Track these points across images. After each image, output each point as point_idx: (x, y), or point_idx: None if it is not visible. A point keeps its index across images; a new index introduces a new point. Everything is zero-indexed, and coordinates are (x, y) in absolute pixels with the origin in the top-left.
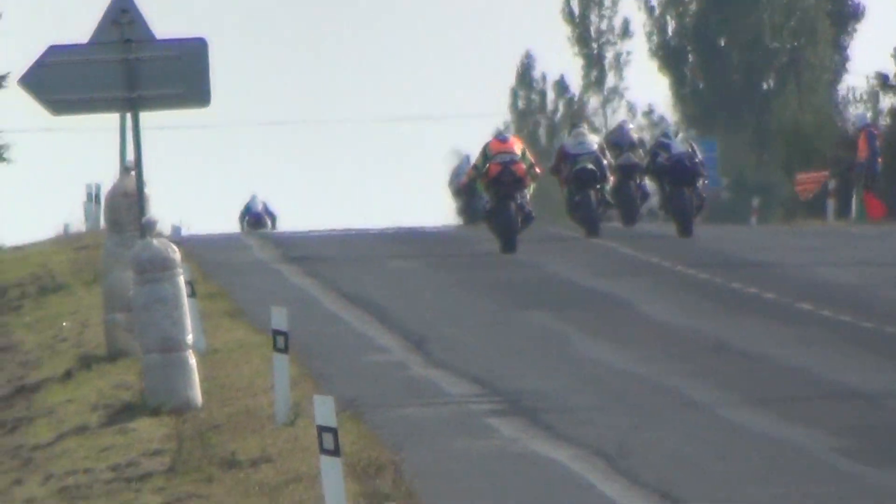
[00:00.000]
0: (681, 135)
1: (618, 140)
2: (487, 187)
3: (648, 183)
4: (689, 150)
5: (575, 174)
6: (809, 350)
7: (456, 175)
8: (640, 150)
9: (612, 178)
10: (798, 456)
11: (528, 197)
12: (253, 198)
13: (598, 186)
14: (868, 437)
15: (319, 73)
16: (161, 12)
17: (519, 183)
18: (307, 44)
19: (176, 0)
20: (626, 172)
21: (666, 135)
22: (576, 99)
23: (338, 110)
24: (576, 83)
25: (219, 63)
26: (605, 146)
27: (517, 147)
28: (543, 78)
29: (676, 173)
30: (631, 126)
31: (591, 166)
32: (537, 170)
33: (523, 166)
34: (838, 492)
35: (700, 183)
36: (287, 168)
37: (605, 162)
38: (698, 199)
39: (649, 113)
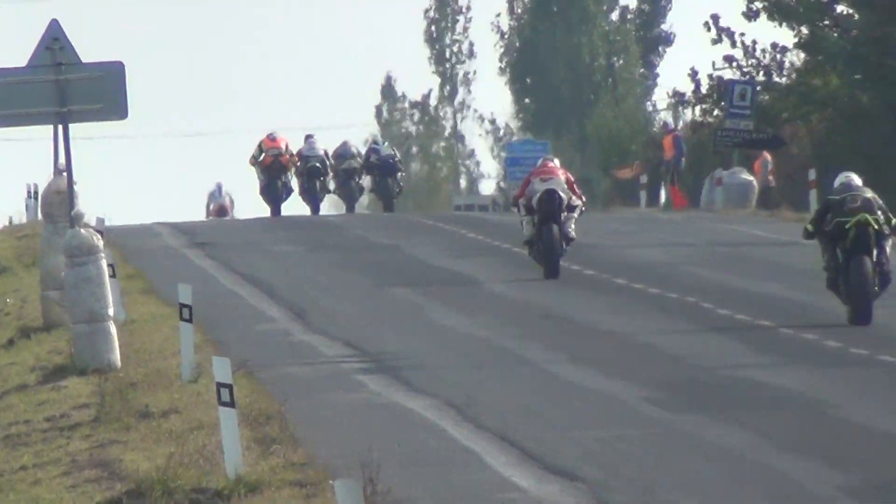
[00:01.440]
0: (386, 143)
1: (343, 153)
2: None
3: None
4: (392, 153)
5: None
6: (623, 317)
7: (212, 198)
8: (359, 158)
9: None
10: (614, 404)
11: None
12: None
13: (322, 179)
14: (671, 389)
15: (212, 90)
16: (85, 38)
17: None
18: (200, 63)
19: (96, 27)
20: (349, 174)
21: (375, 142)
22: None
23: (229, 122)
24: (433, 97)
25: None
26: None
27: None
28: (403, 95)
29: (384, 169)
30: (352, 143)
31: (318, 165)
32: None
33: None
34: (648, 434)
35: (399, 175)
36: (189, 173)
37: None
38: (398, 186)
39: (493, 121)
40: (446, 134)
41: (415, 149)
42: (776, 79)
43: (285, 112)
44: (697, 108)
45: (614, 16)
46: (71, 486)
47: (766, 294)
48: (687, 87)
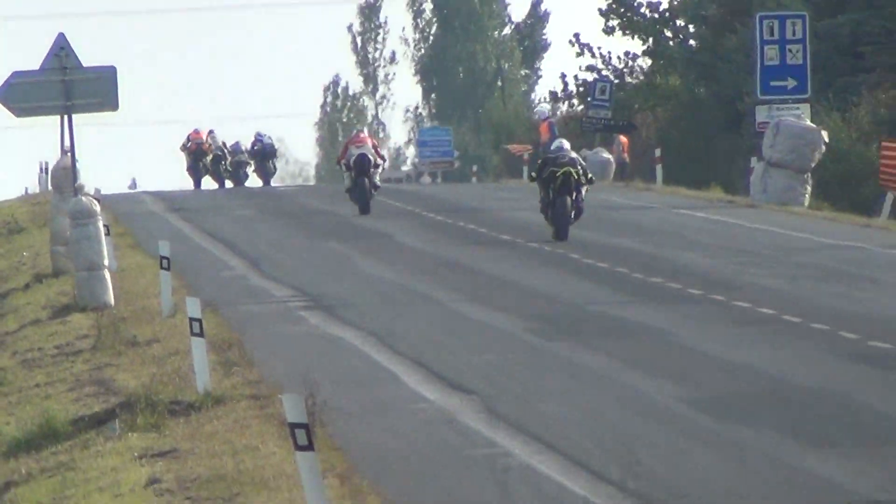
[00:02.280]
0: (267, 135)
1: (235, 149)
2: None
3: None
4: (272, 142)
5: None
6: (509, 265)
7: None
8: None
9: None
10: (502, 335)
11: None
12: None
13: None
14: (547, 322)
15: (192, 87)
16: (85, 45)
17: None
18: (184, 64)
19: (94, 35)
20: (240, 165)
21: (260, 134)
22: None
23: (204, 112)
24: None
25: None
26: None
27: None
28: (345, 90)
29: (265, 154)
30: (271, 138)
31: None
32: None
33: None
34: (528, 357)
35: (274, 160)
36: (167, 153)
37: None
38: (274, 168)
39: (406, 111)
40: (369, 121)
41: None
42: (628, 79)
43: (251, 103)
44: (566, 104)
45: (505, 29)
46: (75, 399)
47: (621, 247)
48: (558, 87)
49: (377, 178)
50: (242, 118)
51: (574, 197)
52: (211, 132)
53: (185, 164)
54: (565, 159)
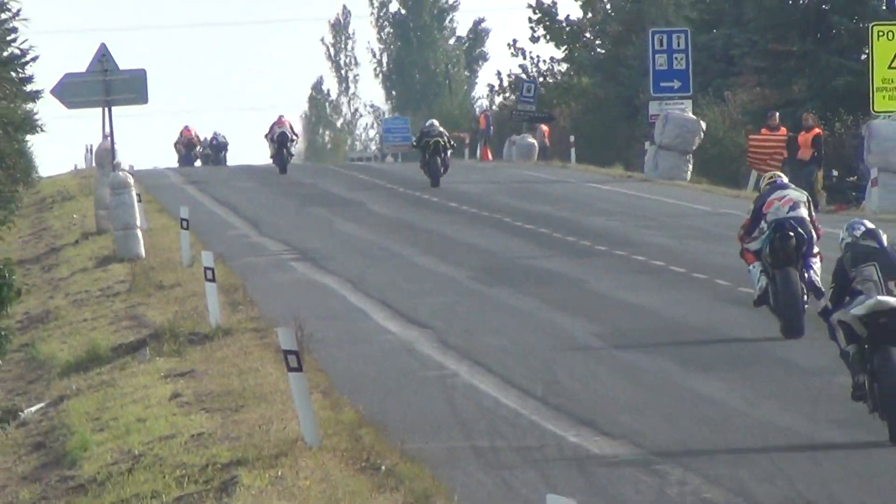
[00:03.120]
0: (222, 134)
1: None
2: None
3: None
4: (224, 140)
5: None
6: (456, 227)
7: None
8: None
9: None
10: (450, 281)
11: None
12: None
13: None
14: (487, 271)
15: (207, 82)
16: (120, 52)
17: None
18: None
19: (126, 42)
20: (218, 149)
21: (216, 133)
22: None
23: (214, 102)
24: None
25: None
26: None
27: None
28: (326, 88)
29: (218, 149)
30: (225, 136)
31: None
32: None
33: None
34: (472, 300)
35: (224, 153)
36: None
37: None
38: (225, 161)
39: (374, 107)
40: (343, 113)
41: (326, 131)
42: (549, 79)
43: (251, 98)
44: (500, 97)
45: (452, 40)
46: (114, 331)
47: (542, 213)
48: (494, 82)
49: (293, 149)
50: (242, 109)
51: (442, 157)
52: (186, 127)
53: (178, 156)
54: (435, 132)
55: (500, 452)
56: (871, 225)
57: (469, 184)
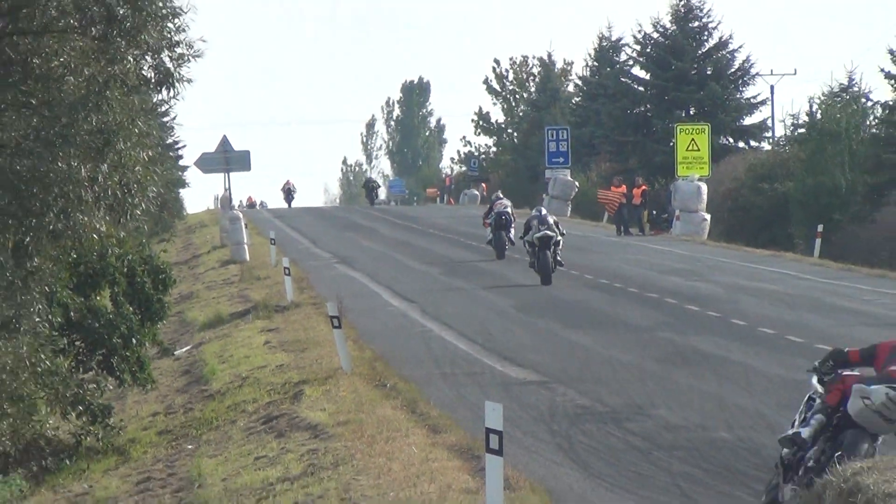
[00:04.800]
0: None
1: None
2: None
3: None
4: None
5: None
6: (431, 243)
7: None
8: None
9: None
10: (427, 275)
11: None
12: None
13: None
14: (448, 269)
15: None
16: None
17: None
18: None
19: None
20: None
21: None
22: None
23: (292, 149)
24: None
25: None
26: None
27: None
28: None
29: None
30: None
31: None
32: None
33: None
34: (440, 287)
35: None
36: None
37: None
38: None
39: (384, 173)
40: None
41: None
42: (485, 156)
43: (305, 163)
44: (457, 167)
45: (427, 133)
46: (230, 304)
47: (477, 234)
48: (456, 156)
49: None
50: (303, 175)
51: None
52: (287, 180)
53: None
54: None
55: (457, 377)
56: (544, 211)
57: (440, 218)
